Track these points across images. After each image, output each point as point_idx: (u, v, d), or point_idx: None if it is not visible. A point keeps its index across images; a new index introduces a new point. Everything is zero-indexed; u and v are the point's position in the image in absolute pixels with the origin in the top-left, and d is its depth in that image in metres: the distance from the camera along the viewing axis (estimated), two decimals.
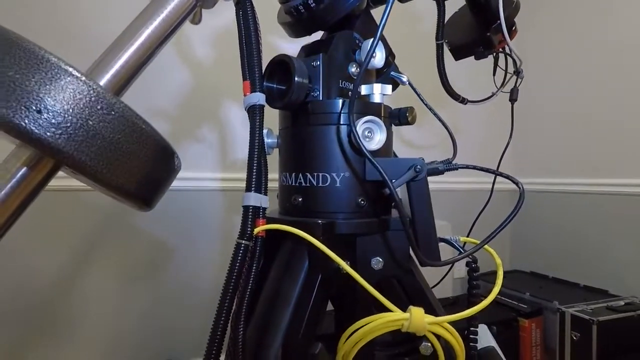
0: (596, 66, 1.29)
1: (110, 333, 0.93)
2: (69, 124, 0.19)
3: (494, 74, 0.72)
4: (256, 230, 0.34)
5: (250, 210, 0.34)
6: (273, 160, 0.42)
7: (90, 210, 0.90)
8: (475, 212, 0.82)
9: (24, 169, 0.24)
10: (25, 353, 0.85)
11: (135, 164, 0.23)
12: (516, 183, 0.36)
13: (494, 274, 0.37)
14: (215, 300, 0.34)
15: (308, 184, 0.38)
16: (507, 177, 0.37)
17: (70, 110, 0.20)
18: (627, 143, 1.21)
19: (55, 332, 0.88)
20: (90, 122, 0.20)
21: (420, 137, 1.29)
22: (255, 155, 0.34)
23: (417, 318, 0.31)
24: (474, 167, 0.41)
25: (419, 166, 0.35)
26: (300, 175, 0.39)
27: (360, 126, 0.36)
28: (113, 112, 0.21)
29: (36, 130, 0.19)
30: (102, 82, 0.25)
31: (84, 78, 0.21)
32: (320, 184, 0.38)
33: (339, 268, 0.36)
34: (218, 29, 1.02)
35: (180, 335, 0.99)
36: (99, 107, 0.20)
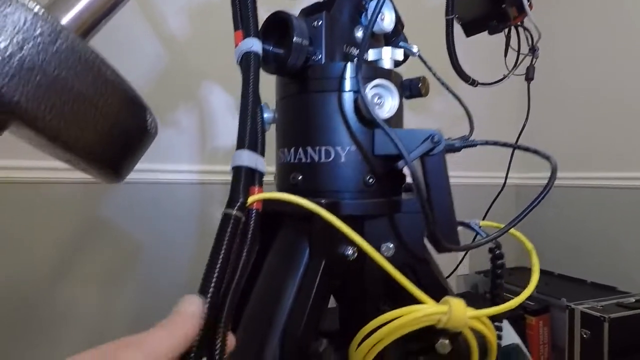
0: (615, 49, 1.23)
1: (93, 334, 0.88)
2: None
3: (505, 55, 0.67)
4: (250, 199, 0.25)
5: (243, 172, 0.25)
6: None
7: (54, 206, 0.84)
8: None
9: None
10: (8, 354, 0.80)
11: (92, 113, 0.18)
12: (547, 157, 0.31)
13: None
14: None
15: (309, 160, 0.33)
16: (535, 151, 0.33)
17: None
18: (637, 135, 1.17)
19: (36, 333, 0.82)
20: (25, 51, 0.15)
21: (420, 125, 1.23)
22: (250, 107, 0.27)
23: (458, 311, 0.26)
24: (495, 143, 0.36)
25: (436, 137, 0.30)
26: (301, 150, 0.34)
27: (369, 91, 0.31)
28: (59, 42, 0.16)
29: None
30: (65, 18, 0.20)
31: None
32: (323, 160, 0.33)
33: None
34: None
35: None
36: (37, 32, 0.16)
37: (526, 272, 1.49)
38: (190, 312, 0.21)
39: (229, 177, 0.27)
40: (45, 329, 0.82)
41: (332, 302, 0.40)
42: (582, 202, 1.31)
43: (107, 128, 0.19)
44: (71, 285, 0.86)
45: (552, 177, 0.31)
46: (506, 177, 0.59)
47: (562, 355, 1.06)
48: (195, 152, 0.97)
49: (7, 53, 0.15)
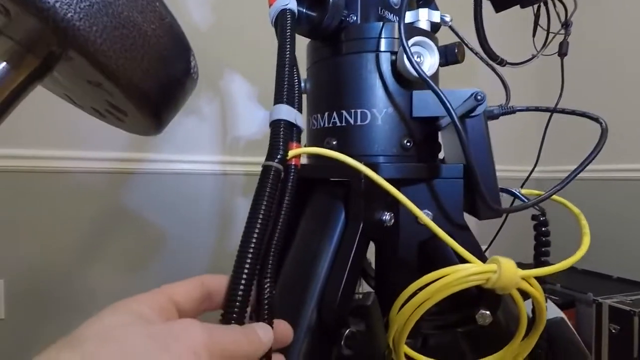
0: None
1: None
2: None
3: (533, 35, 0.65)
4: (290, 153, 0.25)
5: (282, 125, 0.25)
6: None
7: (78, 195, 0.85)
8: None
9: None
10: (31, 345, 0.81)
11: (140, 43, 0.17)
12: (596, 119, 0.30)
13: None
14: None
15: (344, 123, 0.32)
16: (583, 114, 0.31)
17: None
18: None
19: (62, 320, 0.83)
20: None
21: None
22: (287, 64, 0.26)
23: (508, 270, 0.24)
24: (537, 109, 0.35)
25: (479, 94, 0.29)
26: (335, 114, 0.33)
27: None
28: None
29: None
30: None
31: None
32: (359, 122, 0.32)
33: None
34: None
35: None
36: None
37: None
38: (263, 337, 0.20)
39: (250, 168, 0.27)
40: (67, 316, 0.83)
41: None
42: (606, 196, 1.27)
43: (153, 62, 0.18)
44: (94, 273, 0.87)
45: (603, 137, 0.29)
46: (537, 161, 0.57)
47: (589, 351, 1.02)
48: (217, 142, 0.97)
49: None
